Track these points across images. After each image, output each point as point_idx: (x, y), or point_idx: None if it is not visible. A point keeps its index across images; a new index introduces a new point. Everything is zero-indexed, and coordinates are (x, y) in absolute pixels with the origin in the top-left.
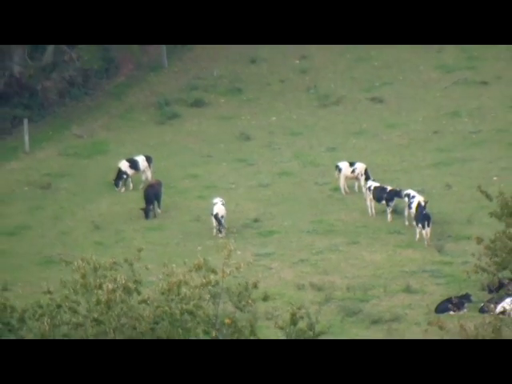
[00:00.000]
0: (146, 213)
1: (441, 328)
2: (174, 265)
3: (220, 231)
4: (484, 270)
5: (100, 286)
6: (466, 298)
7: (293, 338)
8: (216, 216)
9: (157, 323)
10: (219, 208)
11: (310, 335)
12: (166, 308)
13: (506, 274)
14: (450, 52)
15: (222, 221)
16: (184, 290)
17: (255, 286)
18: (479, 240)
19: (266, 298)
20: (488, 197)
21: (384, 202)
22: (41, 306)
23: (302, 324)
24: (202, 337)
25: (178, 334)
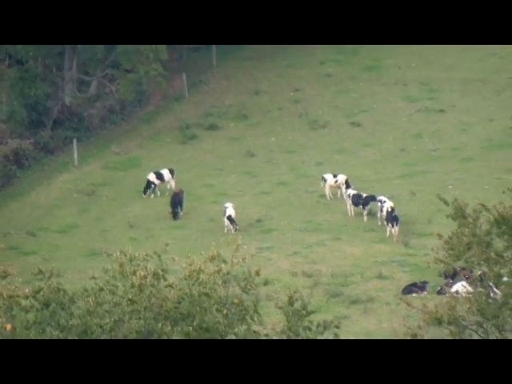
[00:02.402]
0: (174, 215)
1: (408, 305)
2: (194, 257)
3: (234, 229)
4: (442, 261)
5: (134, 273)
6: (424, 284)
7: (290, 316)
8: (229, 217)
9: (179, 303)
10: (231, 211)
11: (303, 314)
12: (187, 291)
13: (459, 263)
14: (414, 85)
15: (234, 221)
16: (201, 276)
17: (257, 273)
18: (440, 236)
19: (266, 283)
20: (445, 202)
21: (361, 206)
22: (86, 289)
23: (296, 304)
24: (215, 314)
25: (196, 312)
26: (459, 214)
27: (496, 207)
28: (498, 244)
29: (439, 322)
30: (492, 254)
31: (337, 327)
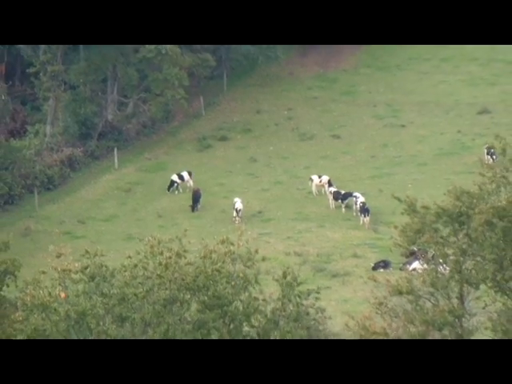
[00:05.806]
0: (192, 208)
1: (375, 281)
2: (208, 241)
3: (235, 219)
4: (399, 245)
5: (161, 253)
6: (387, 262)
7: (284, 286)
8: (236, 209)
9: (197, 277)
10: (238, 204)
11: (294, 284)
12: (203, 268)
13: (414, 246)
14: (381, 106)
15: (240, 213)
16: (214, 256)
17: (257, 252)
18: (396, 227)
19: (263, 259)
20: (399, 200)
21: (340, 200)
22: (124, 266)
23: (289, 277)
24: (224, 285)
25: (210, 284)
26: (411, 209)
27: (437, 203)
28: (445, 230)
29: (400, 292)
30: (439, 239)
31: (317, 293)
